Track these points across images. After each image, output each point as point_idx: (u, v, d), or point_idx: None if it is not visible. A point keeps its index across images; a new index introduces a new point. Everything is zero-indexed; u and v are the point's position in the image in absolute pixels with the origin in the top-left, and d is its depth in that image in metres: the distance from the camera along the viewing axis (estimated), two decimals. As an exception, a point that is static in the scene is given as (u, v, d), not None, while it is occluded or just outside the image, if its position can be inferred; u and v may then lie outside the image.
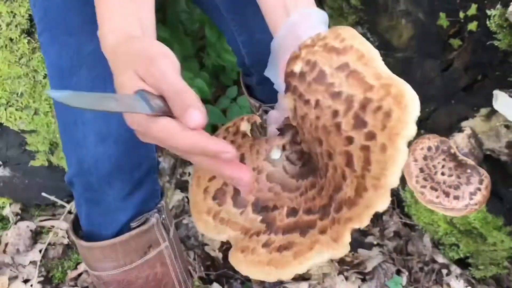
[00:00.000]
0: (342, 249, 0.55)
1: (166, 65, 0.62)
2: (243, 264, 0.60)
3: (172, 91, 0.60)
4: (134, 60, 0.63)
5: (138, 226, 1.07)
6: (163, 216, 1.11)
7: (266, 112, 1.38)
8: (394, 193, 1.87)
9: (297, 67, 0.66)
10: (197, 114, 0.57)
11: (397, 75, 0.59)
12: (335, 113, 0.60)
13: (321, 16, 0.74)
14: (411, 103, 0.55)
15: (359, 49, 0.62)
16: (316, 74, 0.63)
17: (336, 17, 1.59)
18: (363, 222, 0.52)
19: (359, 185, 0.54)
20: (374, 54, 0.61)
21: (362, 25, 1.52)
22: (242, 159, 0.71)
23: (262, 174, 0.67)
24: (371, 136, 0.55)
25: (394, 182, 0.53)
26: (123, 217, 1.04)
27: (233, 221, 0.66)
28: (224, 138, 0.77)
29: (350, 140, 0.57)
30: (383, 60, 0.61)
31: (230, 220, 0.66)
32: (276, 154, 0.70)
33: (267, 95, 1.33)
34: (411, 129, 0.53)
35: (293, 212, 0.61)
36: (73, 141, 1.01)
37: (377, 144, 0.54)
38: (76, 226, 1.13)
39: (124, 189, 1.02)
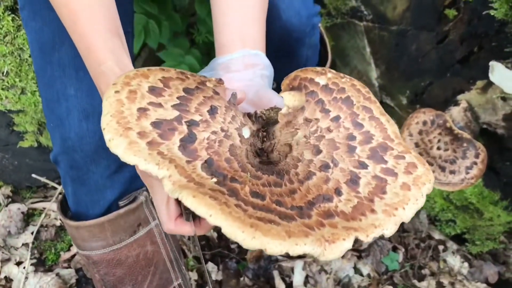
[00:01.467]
0: (333, 253, 0.53)
1: None
2: (219, 211, 0.51)
3: None
4: None
5: (127, 205, 1.04)
6: (152, 194, 1.09)
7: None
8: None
9: (322, 81, 0.76)
10: None
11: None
12: (352, 137, 0.70)
13: (268, 65, 0.85)
14: (431, 172, 0.68)
15: (381, 107, 0.76)
16: (344, 97, 0.75)
17: (329, -10, 1.56)
18: (369, 236, 0.56)
19: (360, 205, 0.60)
20: (392, 121, 0.75)
21: (356, -2, 1.48)
22: (213, 111, 0.66)
23: (227, 141, 0.64)
24: (391, 173, 0.66)
25: (408, 217, 0.60)
26: (110, 195, 1.02)
27: (178, 163, 0.57)
28: (198, 86, 0.69)
29: (363, 165, 0.67)
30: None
31: (174, 160, 0.57)
32: (246, 133, 0.69)
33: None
34: (431, 189, 0.65)
35: (257, 195, 0.57)
36: (57, 118, 0.98)
37: (397, 181, 0.65)
38: (64, 206, 1.11)
39: (110, 166, 0.99)
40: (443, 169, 1.31)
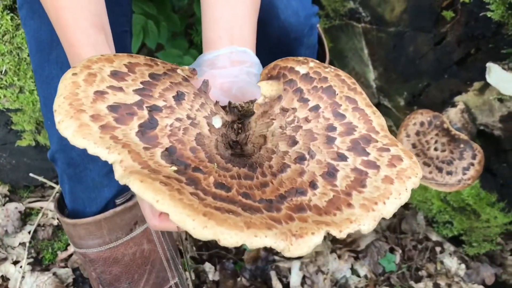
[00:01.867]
0: (300, 248, 0.49)
1: None
2: (167, 197, 0.48)
3: None
4: None
5: (123, 203, 1.05)
6: (149, 192, 1.09)
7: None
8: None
9: (302, 70, 0.73)
10: None
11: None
12: (332, 128, 0.66)
13: (257, 62, 0.84)
14: (418, 166, 0.63)
15: (367, 99, 0.72)
16: (325, 86, 0.71)
17: (328, -8, 1.56)
18: (342, 231, 0.52)
19: (337, 199, 0.56)
20: (379, 113, 0.71)
21: (354, 0, 1.49)
22: (180, 97, 0.62)
23: (194, 130, 0.60)
24: (372, 165, 0.61)
25: (389, 213, 0.56)
26: (107, 193, 1.02)
27: (133, 148, 0.53)
28: (167, 72, 0.67)
29: (341, 157, 0.62)
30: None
31: (128, 145, 0.53)
32: (217, 123, 0.65)
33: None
34: (417, 184, 0.60)
35: (222, 186, 0.54)
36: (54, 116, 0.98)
37: (379, 174, 0.60)
38: (61, 204, 1.11)
39: (107, 164, 0.99)
40: (440, 170, 1.31)
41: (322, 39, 1.31)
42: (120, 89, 0.59)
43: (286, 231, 0.50)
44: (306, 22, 1.13)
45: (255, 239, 0.48)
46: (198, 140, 0.60)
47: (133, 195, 1.06)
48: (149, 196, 0.48)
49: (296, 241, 0.49)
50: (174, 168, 0.54)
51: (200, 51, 1.73)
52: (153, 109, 0.59)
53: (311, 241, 0.50)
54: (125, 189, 1.05)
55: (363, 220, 0.54)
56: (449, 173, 1.31)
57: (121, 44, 1.08)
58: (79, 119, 0.54)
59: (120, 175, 0.51)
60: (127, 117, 0.57)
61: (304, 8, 1.12)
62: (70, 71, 0.58)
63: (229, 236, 0.47)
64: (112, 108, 0.57)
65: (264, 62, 1.31)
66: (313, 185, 0.58)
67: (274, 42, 1.11)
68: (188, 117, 0.62)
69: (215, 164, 0.58)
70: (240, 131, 0.68)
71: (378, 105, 1.67)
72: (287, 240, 0.49)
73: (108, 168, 1.00)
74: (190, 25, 1.76)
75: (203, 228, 0.47)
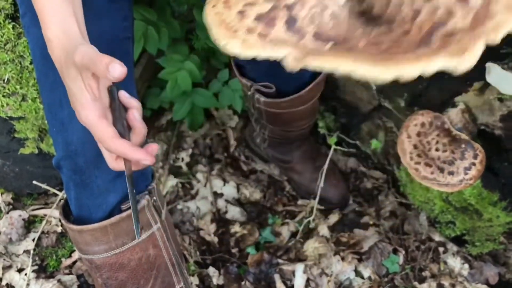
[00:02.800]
0: (470, 59, 0.51)
1: (86, 51, 0.77)
2: (360, 58, 0.54)
3: (93, 61, 0.75)
4: (70, 56, 0.80)
5: (129, 208, 1.05)
6: (154, 198, 1.10)
7: (257, 91, 1.36)
8: (389, 173, 1.86)
9: None
10: (117, 66, 0.73)
11: None
12: None
13: None
14: None
15: None
16: None
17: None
18: (497, 36, 0.53)
19: (477, 15, 0.56)
20: None
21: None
22: None
23: (327, 11, 0.65)
24: None
25: None
26: (113, 199, 1.03)
27: (291, 42, 0.62)
28: None
29: None
30: None
31: (286, 41, 0.63)
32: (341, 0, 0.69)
33: (258, 74, 1.32)
34: None
35: (375, 44, 0.58)
36: (59, 122, 0.99)
37: None
38: (66, 211, 1.12)
39: (112, 170, 1.00)
40: (441, 170, 1.32)
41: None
42: (253, 3, 0.68)
43: (455, 51, 0.53)
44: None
45: (431, 64, 0.52)
46: (334, 19, 0.66)
47: (138, 200, 1.07)
48: (342, 65, 0.54)
49: (463, 54, 0.52)
50: (329, 45, 0.60)
51: (200, 56, 1.74)
52: (287, 8, 0.67)
53: (477, 51, 0.52)
54: (130, 194, 1.06)
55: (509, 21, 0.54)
56: (451, 173, 1.31)
57: (124, 50, 1.09)
58: (239, 37, 0.63)
59: (295, 60, 0.57)
60: (272, 22, 0.65)
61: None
62: (208, 5, 0.67)
63: (406, 71, 0.52)
64: (257, 19, 0.66)
65: (265, 71, 1.31)
66: (451, 14, 0.59)
67: None
68: (319, 2, 0.68)
69: (360, 29, 0.63)
70: None
71: (380, 107, 1.68)
72: (455, 56, 0.52)
73: (113, 174, 1.01)
74: (190, 31, 1.77)
75: (384, 71, 0.52)
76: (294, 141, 1.72)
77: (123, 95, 0.84)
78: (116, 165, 0.86)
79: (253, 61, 1.27)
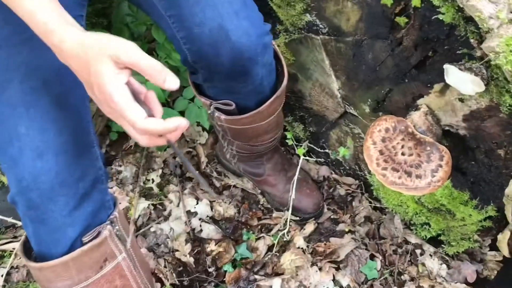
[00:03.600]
0: None
1: (134, 48, 0.82)
2: None
3: (149, 67, 0.82)
4: (103, 51, 0.79)
5: (90, 241, 1.02)
6: (117, 227, 1.07)
7: (217, 109, 1.35)
8: (361, 178, 1.85)
9: None
10: (174, 80, 0.83)
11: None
12: None
13: None
14: None
15: None
16: None
17: (284, 6, 1.56)
18: None
19: None
20: None
21: (310, 12, 1.49)
22: None
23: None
24: None
25: None
26: (72, 232, 1.00)
27: None
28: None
29: None
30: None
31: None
32: None
33: (216, 91, 1.30)
34: None
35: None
36: (10, 159, 0.96)
37: None
38: (28, 247, 1.08)
39: (69, 203, 0.97)
40: (409, 174, 1.31)
41: (279, 56, 1.31)
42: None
43: None
44: (259, 41, 1.13)
45: None
46: None
47: (100, 232, 1.04)
48: None
49: None
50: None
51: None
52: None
53: None
54: (91, 226, 1.03)
55: None
56: (419, 176, 1.31)
57: None
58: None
59: None
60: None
61: (255, 27, 1.12)
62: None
63: None
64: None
65: (223, 88, 1.30)
66: None
67: (228, 64, 1.11)
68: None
69: None
70: None
71: (345, 114, 1.67)
72: None
73: (70, 207, 0.98)
74: (150, 51, 1.75)
75: None
76: (263, 155, 1.71)
77: (134, 81, 0.89)
78: (151, 141, 0.87)
79: (207, 79, 1.26)
